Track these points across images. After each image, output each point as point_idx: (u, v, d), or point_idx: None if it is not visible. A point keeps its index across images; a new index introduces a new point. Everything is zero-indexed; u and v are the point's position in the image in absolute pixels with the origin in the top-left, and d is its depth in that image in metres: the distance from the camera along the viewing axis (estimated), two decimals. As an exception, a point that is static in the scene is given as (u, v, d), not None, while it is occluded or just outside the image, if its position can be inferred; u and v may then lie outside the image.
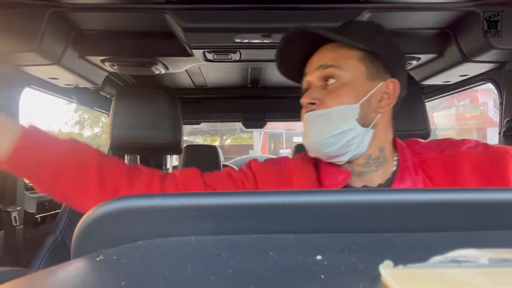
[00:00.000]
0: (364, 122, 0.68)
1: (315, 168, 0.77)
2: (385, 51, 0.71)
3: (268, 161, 0.80)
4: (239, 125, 2.56)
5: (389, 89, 0.70)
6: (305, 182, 0.73)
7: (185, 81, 1.92)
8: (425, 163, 0.71)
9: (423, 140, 0.78)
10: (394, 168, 0.72)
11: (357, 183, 0.72)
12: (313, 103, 0.69)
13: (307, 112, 0.71)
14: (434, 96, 1.69)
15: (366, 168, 0.71)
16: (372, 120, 0.69)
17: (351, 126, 0.67)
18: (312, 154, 0.72)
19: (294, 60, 0.77)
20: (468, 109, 15.80)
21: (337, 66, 0.68)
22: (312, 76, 0.72)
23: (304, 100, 0.70)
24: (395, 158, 0.73)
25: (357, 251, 0.28)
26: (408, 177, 0.68)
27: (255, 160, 0.80)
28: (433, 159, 0.70)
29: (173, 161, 2.80)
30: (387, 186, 0.70)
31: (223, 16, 0.98)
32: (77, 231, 0.31)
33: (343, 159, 0.70)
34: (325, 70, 0.69)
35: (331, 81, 0.69)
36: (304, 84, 0.75)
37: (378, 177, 0.71)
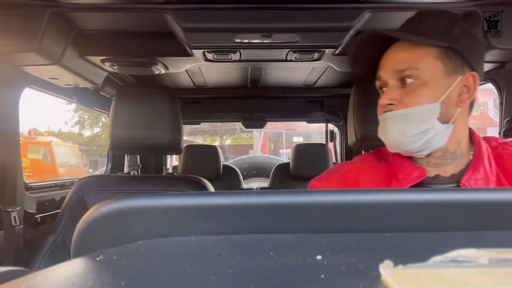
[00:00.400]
0: (444, 119, 0.69)
1: (382, 165, 0.79)
2: (463, 44, 0.69)
3: (328, 173, 0.85)
4: (239, 125, 2.56)
5: (469, 82, 0.69)
6: (371, 182, 0.77)
7: (185, 81, 1.92)
8: (501, 158, 0.72)
9: (501, 139, 0.79)
10: (469, 160, 0.73)
11: (430, 173, 0.73)
12: (391, 104, 0.70)
13: (385, 112, 0.71)
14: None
15: (442, 160, 0.72)
16: (452, 115, 0.69)
17: (431, 125, 0.67)
18: (392, 150, 0.74)
19: (366, 59, 0.77)
20: (468, 109, 15.77)
21: (414, 68, 0.68)
22: (387, 77, 0.71)
23: (383, 101, 0.70)
24: (471, 151, 0.74)
25: (357, 251, 0.28)
26: (481, 169, 0.70)
27: (314, 180, 0.84)
28: (509, 154, 0.72)
29: (173, 161, 2.80)
30: (459, 176, 0.71)
31: (223, 16, 0.98)
32: (77, 231, 0.31)
33: (423, 153, 0.71)
34: (403, 73, 0.69)
35: (409, 81, 0.69)
36: (378, 83, 0.76)
37: (451, 168, 0.72)
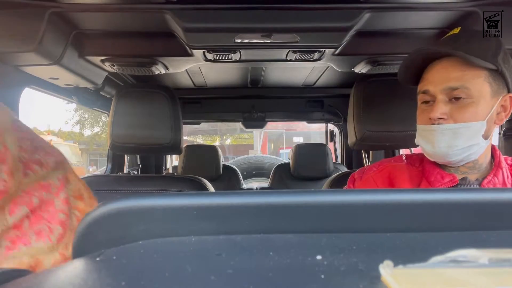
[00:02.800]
0: (486, 135, 0.75)
1: (411, 167, 0.87)
2: (506, 68, 0.75)
3: (361, 173, 0.93)
4: (239, 125, 2.56)
5: (506, 102, 0.77)
6: (405, 179, 0.85)
7: (185, 81, 1.92)
8: None
9: None
10: (490, 170, 0.82)
11: (459, 176, 0.81)
12: (441, 118, 0.76)
13: (434, 124, 0.76)
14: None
15: (470, 170, 0.81)
16: (491, 132, 0.77)
17: (477, 141, 0.75)
18: (432, 158, 0.81)
19: (412, 69, 0.83)
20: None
21: (466, 87, 0.73)
22: (437, 92, 0.76)
23: (434, 115, 0.75)
24: (492, 163, 0.83)
25: (357, 251, 0.28)
26: (500, 176, 0.79)
27: (349, 184, 0.95)
28: None
29: (173, 161, 2.80)
30: (481, 180, 0.80)
31: (223, 16, 0.98)
32: (77, 231, 0.31)
33: (459, 164, 0.80)
34: (455, 91, 0.74)
35: (459, 98, 0.74)
36: (423, 96, 0.80)
37: (475, 176, 0.81)
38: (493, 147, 0.83)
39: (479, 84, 0.73)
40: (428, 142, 0.78)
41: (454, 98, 0.74)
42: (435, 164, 0.83)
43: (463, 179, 0.81)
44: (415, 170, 0.86)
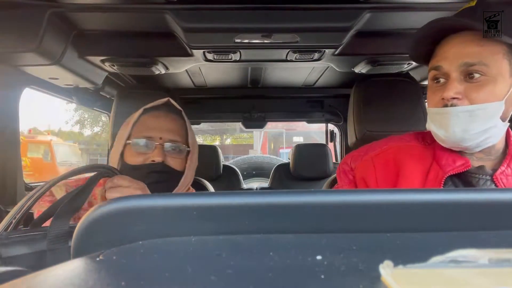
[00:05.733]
0: (504, 117, 0.69)
1: (422, 144, 0.80)
2: None
3: (362, 151, 0.86)
4: (239, 125, 2.56)
5: None
6: (411, 161, 0.77)
7: (185, 81, 1.92)
8: None
9: None
10: (504, 156, 0.74)
11: (474, 164, 0.74)
12: (455, 97, 0.68)
13: (446, 105, 0.69)
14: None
15: (486, 156, 0.73)
16: (509, 114, 0.70)
17: (495, 123, 0.67)
18: (446, 145, 0.73)
19: (424, 44, 0.75)
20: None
21: (484, 64, 0.66)
22: (451, 69, 0.69)
23: (448, 94, 0.67)
24: (507, 150, 0.75)
25: (357, 251, 0.28)
26: None
27: (343, 163, 0.88)
28: None
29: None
30: (494, 171, 0.72)
31: (223, 16, 0.98)
32: (77, 231, 0.31)
33: (476, 150, 0.72)
34: (471, 68, 0.67)
35: (476, 76, 0.67)
36: (434, 73, 0.72)
37: (490, 163, 0.74)
38: (507, 131, 0.75)
39: (498, 60, 0.66)
40: (441, 126, 0.70)
41: (469, 76, 0.67)
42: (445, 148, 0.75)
43: (480, 168, 0.73)
44: (427, 149, 0.78)
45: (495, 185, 0.71)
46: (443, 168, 0.73)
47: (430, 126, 0.73)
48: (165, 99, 1.00)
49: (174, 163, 0.94)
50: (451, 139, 0.70)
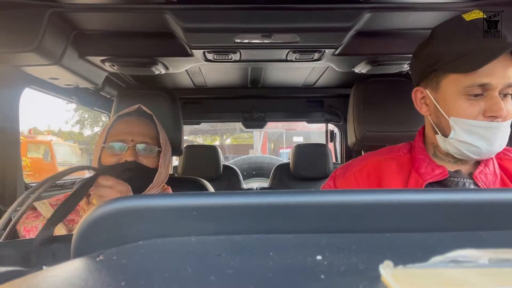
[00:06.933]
0: None
1: (398, 154, 0.86)
2: None
3: (344, 169, 0.91)
4: (239, 125, 2.56)
5: None
6: (391, 172, 0.84)
7: (185, 81, 1.92)
8: (503, 161, 0.83)
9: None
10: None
11: (451, 168, 0.81)
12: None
13: (492, 121, 0.73)
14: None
15: (463, 164, 0.80)
16: None
17: None
18: (478, 157, 0.77)
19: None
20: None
21: None
22: (498, 86, 0.72)
23: (502, 113, 0.72)
24: None
25: (357, 251, 0.28)
26: (491, 166, 0.79)
27: (329, 182, 0.93)
28: (509, 159, 0.83)
29: (173, 161, 2.79)
30: (472, 170, 0.80)
31: (223, 16, 0.98)
32: (77, 231, 0.31)
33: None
34: (508, 89, 0.72)
35: (508, 94, 0.73)
36: (479, 88, 0.74)
37: (468, 167, 0.81)
38: None
39: None
40: (485, 140, 0.73)
41: (504, 94, 0.73)
42: (424, 154, 0.82)
43: (457, 172, 0.80)
44: (403, 160, 0.85)
45: (475, 184, 0.78)
46: (422, 176, 0.80)
47: (465, 137, 0.74)
48: (136, 106, 1.11)
49: (146, 161, 1.03)
50: (491, 152, 0.75)
